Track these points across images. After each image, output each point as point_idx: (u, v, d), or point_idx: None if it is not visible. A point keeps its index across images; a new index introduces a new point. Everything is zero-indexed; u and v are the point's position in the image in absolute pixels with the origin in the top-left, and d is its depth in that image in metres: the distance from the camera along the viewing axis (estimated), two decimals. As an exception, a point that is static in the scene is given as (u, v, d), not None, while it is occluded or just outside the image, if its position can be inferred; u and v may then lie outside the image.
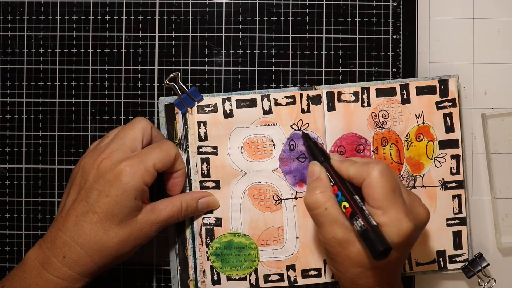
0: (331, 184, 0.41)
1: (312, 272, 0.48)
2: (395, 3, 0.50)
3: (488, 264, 0.48)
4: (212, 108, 0.48)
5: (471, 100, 0.51)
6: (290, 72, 0.50)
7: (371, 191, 0.38)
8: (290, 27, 0.50)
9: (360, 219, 0.37)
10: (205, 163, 0.48)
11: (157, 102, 0.50)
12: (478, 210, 0.51)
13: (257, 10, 0.50)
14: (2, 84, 0.50)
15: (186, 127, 0.48)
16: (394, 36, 0.50)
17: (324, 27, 0.50)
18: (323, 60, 0.50)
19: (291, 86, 0.50)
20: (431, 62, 0.51)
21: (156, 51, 0.50)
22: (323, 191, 0.40)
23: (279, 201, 0.48)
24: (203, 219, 0.48)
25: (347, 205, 0.38)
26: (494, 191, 0.50)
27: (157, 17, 0.50)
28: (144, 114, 0.50)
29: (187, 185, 0.48)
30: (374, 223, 0.37)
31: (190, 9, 0.50)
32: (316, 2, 0.50)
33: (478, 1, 0.51)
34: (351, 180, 0.40)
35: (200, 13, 0.50)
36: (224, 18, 0.50)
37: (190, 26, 0.50)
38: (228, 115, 0.48)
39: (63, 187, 0.50)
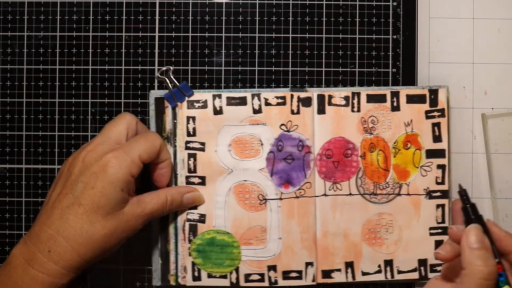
0: (496, 260, 0.36)
1: (293, 274, 0.48)
2: (395, 3, 0.50)
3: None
4: (202, 104, 0.48)
5: (471, 100, 0.51)
6: (290, 72, 0.50)
7: None
8: (290, 27, 0.50)
9: None
10: (192, 159, 0.48)
11: (148, 95, 0.50)
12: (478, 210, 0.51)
13: (257, 10, 0.50)
14: (2, 84, 0.50)
15: (175, 121, 0.48)
16: (394, 36, 0.50)
17: (324, 27, 0.50)
18: (323, 60, 0.50)
19: (291, 87, 0.50)
20: (431, 62, 0.51)
21: (156, 51, 0.50)
22: (492, 265, 0.35)
23: (264, 201, 0.48)
24: (187, 214, 0.48)
25: None
26: (494, 191, 0.50)
27: (157, 17, 0.50)
28: (144, 114, 0.50)
29: (173, 180, 0.48)
30: None
31: (190, 9, 0.50)
32: (316, 2, 0.50)
33: (478, 1, 0.51)
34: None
35: (200, 13, 0.50)
36: (224, 18, 0.50)
37: (190, 26, 0.50)
38: (217, 111, 0.48)
39: (63, 187, 0.50)
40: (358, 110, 0.48)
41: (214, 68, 0.50)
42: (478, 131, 0.51)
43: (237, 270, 0.48)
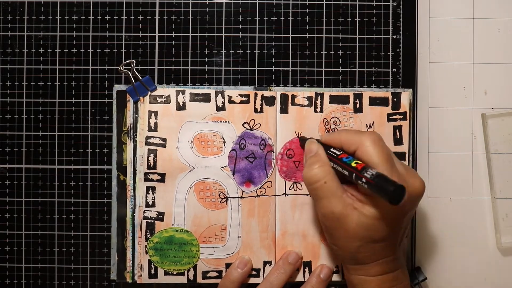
0: (340, 152, 0.41)
1: (252, 272, 0.48)
2: (395, 3, 0.50)
3: (426, 278, 0.49)
4: (165, 99, 0.48)
5: (471, 100, 0.51)
6: (290, 72, 0.50)
7: (366, 158, 0.38)
8: (290, 27, 0.50)
9: (373, 169, 0.37)
10: (152, 155, 0.47)
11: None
12: (478, 210, 0.51)
13: (257, 10, 0.50)
14: (2, 84, 0.50)
15: (137, 116, 0.48)
16: (394, 36, 0.50)
17: (324, 27, 0.50)
18: (323, 60, 0.50)
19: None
20: (431, 62, 0.51)
21: (156, 51, 0.50)
22: (322, 166, 0.40)
23: (225, 199, 0.48)
24: (144, 212, 0.48)
25: (359, 161, 0.38)
26: (494, 191, 0.50)
27: (157, 17, 0.50)
28: (144, 114, 0.50)
29: (132, 176, 0.47)
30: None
31: (190, 9, 0.50)
32: (316, 2, 0.50)
33: (478, 1, 0.51)
34: (342, 146, 0.41)
35: (200, 13, 0.50)
36: (224, 18, 0.50)
37: (190, 26, 0.50)
38: (180, 107, 0.48)
39: (63, 187, 0.50)
40: (321, 111, 0.48)
41: (214, 68, 0.50)
42: (478, 131, 0.51)
43: (195, 267, 0.48)
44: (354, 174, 0.38)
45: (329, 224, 0.40)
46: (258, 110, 0.48)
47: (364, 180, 0.37)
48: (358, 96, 0.48)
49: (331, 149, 0.41)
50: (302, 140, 0.47)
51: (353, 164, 0.38)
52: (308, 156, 0.42)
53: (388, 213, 0.38)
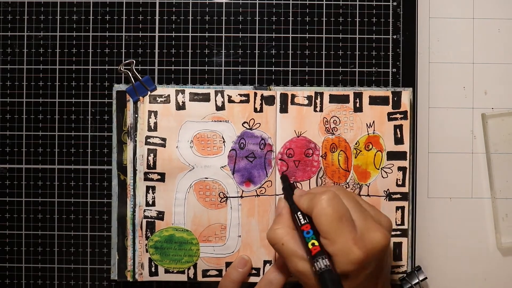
0: (304, 221, 0.41)
1: (252, 271, 0.48)
2: (395, 3, 0.50)
3: (426, 278, 0.49)
4: (165, 99, 0.48)
5: (471, 100, 0.51)
6: (290, 72, 0.50)
7: (318, 221, 0.39)
8: (290, 27, 0.50)
9: (325, 260, 0.37)
10: (151, 154, 0.48)
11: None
12: (478, 210, 0.51)
13: (257, 10, 0.50)
14: (2, 84, 0.50)
15: (136, 115, 0.48)
16: (394, 36, 0.50)
17: (324, 27, 0.50)
18: (323, 60, 0.50)
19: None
20: (431, 62, 0.51)
21: (156, 51, 0.50)
22: (282, 227, 0.41)
23: (225, 198, 0.48)
24: (144, 211, 0.48)
25: (316, 243, 0.38)
26: (494, 191, 0.50)
27: (157, 17, 0.50)
28: (144, 114, 0.50)
29: (132, 176, 0.47)
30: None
31: (190, 9, 0.50)
32: (316, 2, 0.50)
33: (478, 1, 0.51)
34: (306, 213, 0.41)
35: (200, 13, 0.50)
36: (224, 18, 0.50)
37: (190, 26, 0.50)
38: (180, 107, 0.48)
39: (63, 187, 0.50)
40: (321, 110, 0.48)
41: (214, 68, 0.50)
42: (478, 131, 0.51)
43: (195, 266, 0.48)
44: (308, 255, 0.39)
45: (298, 280, 0.41)
46: (258, 109, 0.48)
47: (313, 268, 0.38)
48: (358, 95, 0.48)
49: (299, 213, 0.41)
50: (285, 180, 0.47)
51: (310, 246, 0.38)
52: (275, 215, 0.44)
53: (348, 271, 0.38)
